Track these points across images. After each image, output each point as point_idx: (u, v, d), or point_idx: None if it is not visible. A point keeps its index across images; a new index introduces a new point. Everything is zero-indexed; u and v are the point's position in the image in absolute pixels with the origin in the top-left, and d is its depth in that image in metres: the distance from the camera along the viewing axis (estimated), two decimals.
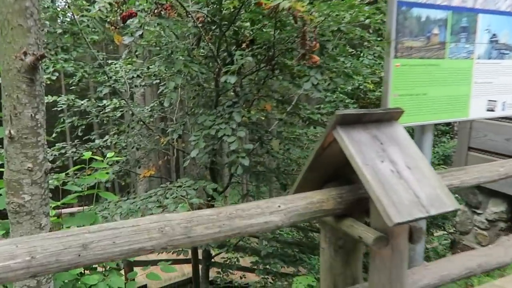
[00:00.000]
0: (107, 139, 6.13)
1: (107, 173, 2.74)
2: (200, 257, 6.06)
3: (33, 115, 1.72)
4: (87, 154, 2.63)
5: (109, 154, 2.70)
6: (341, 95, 7.03)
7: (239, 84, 4.16)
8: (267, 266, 4.73)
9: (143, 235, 1.38)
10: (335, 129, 1.71)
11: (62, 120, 5.85)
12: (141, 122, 5.77)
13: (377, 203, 1.51)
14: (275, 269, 4.58)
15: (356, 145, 1.67)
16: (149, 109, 6.43)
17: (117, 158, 2.72)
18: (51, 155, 5.12)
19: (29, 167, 1.75)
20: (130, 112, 6.51)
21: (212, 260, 6.03)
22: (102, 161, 2.68)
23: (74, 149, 5.40)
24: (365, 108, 7.59)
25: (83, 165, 2.64)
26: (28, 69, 1.65)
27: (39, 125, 1.76)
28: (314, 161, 2.05)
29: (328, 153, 1.93)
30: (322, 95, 4.97)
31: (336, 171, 2.08)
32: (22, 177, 1.76)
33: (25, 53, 1.62)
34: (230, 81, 3.44)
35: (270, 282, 4.94)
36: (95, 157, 2.69)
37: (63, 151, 5.24)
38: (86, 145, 5.64)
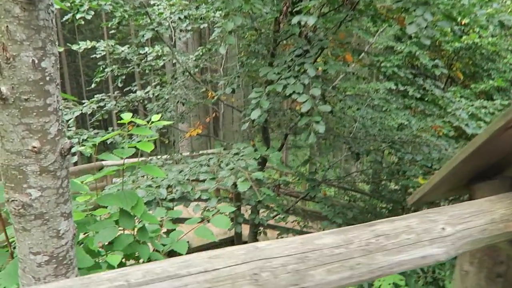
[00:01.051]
0: (149, 91, 5.50)
1: (150, 141, 2.08)
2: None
3: (36, 61, 1.03)
4: (126, 117, 1.96)
5: (154, 117, 2.02)
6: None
7: (312, 28, 3.30)
8: None
9: None
10: None
11: (101, 68, 5.25)
12: (187, 73, 5.07)
13: None
14: None
15: None
16: (194, 58, 5.69)
17: (165, 122, 2.03)
18: (90, 108, 4.56)
19: (34, 147, 1.09)
20: (173, 62, 5.82)
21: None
22: (145, 125, 2.02)
23: (114, 102, 4.82)
24: None
25: (121, 131, 1.99)
26: None
27: (47, 78, 1.07)
28: (485, 144, 1.29)
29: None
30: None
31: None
32: (25, 162, 1.10)
33: None
34: (308, 22, 2.61)
35: None
36: (136, 120, 2.02)
37: (102, 103, 4.66)
38: (126, 97, 5.04)
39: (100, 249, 2.10)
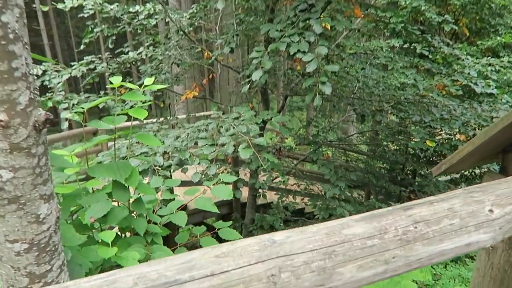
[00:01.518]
0: (142, 52, 5.21)
1: (144, 106, 1.89)
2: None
3: None
4: (116, 81, 1.75)
5: (147, 81, 1.82)
6: None
7: None
8: (330, 212, 3.94)
9: None
10: None
11: (90, 28, 4.92)
12: (181, 32, 4.77)
13: None
14: (342, 214, 3.79)
15: None
16: (189, 16, 5.34)
17: (159, 86, 1.83)
18: (79, 71, 4.30)
19: (0, 121, 0.90)
20: (166, 20, 5.48)
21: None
22: (138, 90, 1.82)
23: (105, 64, 4.55)
24: None
25: (111, 96, 1.79)
26: None
27: (11, 36, 0.87)
28: None
29: None
30: None
31: None
32: None
33: None
34: None
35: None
36: (128, 84, 1.81)
37: (92, 66, 4.39)
38: (118, 59, 4.76)
39: (94, 223, 1.96)
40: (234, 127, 2.70)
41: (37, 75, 4.03)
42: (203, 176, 5.03)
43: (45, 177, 1.06)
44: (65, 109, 3.63)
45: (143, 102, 1.94)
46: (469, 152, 1.27)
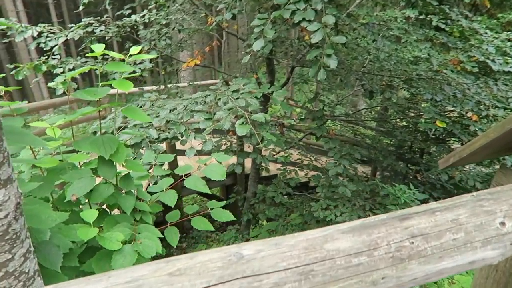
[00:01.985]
0: (144, 15, 4.98)
1: (132, 78, 1.75)
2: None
3: None
4: (98, 49, 1.60)
5: (133, 49, 1.66)
6: None
7: None
8: (333, 189, 3.83)
9: None
10: None
11: None
12: None
13: None
14: (344, 193, 3.66)
15: None
16: None
17: (145, 56, 1.68)
18: (76, 33, 4.12)
19: None
20: None
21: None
22: (123, 60, 1.67)
23: (103, 27, 4.35)
24: None
25: (93, 66, 1.65)
26: None
27: None
28: None
29: None
30: None
31: None
32: None
33: None
34: None
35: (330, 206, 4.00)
36: (110, 53, 1.66)
37: (89, 29, 4.20)
38: (117, 22, 4.56)
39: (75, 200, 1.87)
40: (232, 101, 2.55)
41: (32, 37, 3.86)
42: (214, 146, 4.96)
43: None
44: (60, 73, 3.49)
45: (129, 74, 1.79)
46: (482, 146, 1.12)
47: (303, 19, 2.48)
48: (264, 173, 5.86)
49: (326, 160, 5.60)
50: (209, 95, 2.74)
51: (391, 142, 6.37)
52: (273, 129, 4.45)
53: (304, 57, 4.45)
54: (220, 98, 2.69)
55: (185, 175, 2.03)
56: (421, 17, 4.23)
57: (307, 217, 5.11)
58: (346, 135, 7.18)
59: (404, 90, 5.07)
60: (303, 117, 4.31)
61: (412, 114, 5.29)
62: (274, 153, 4.53)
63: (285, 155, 4.67)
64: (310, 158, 5.74)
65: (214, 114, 2.57)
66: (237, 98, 2.58)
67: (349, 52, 4.64)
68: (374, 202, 3.96)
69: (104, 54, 1.62)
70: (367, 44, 4.60)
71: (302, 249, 0.66)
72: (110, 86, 1.66)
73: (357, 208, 3.81)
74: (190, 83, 5.65)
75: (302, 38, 4.62)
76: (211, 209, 2.10)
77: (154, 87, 4.64)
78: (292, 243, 0.68)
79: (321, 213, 3.89)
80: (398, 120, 5.76)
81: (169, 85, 4.56)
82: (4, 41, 4.65)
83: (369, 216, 3.40)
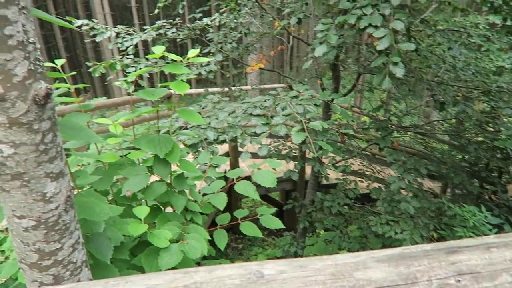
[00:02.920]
0: (215, 18, 5.11)
1: (188, 80, 1.79)
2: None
3: None
4: (158, 51, 1.65)
5: (191, 52, 1.69)
6: None
7: None
8: (394, 204, 3.60)
9: None
10: None
11: None
12: None
13: None
14: (406, 209, 3.41)
15: None
16: None
17: (203, 59, 1.70)
18: (150, 35, 4.34)
19: None
20: None
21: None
22: (181, 61, 1.70)
23: (174, 30, 4.54)
24: None
25: (152, 67, 1.70)
26: None
27: None
28: None
29: None
30: None
31: None
32: None
33: None
34: None
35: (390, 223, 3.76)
36: (169, 55, 1.70)
37: (162, 31, 4.40)
38: (188, 25, 4.73)
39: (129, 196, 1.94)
40: (291, 107, 2.51)
41: (110, 38, 4.14)
42: (273, 150, 4.95)
43: (52, 154, 0.99)
44: (130, 73, 3.68)
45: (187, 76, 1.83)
46: None
47: (369, 24, 2.37)
48: (324, 181, 5.73)
49: (389, 173, 5.33)
50: (268, 99, 2.73)
51: (465, 158, 5.90)
52: (334, 137, 4.32)
53: (371, 64, 4.28)
54: (278, 103, 2.65)
55: (236, 178, 2.02)
56: (508, 23, 3.86)
57: (366, 230, 4.89)
58: (416, 147, 6.78)
59: (483, 102, 4.66)
60: (365, 127, 4.13)
61: (491, 130, 4.84)
62: (335, 161, 4.39)
63: (346, 164, 4.51)
64: (373, 169, 5.50)
65: (271, 118, 2.55)
66: (298, 104, 2.53)
67: (422, 60, 4.37)
68: (440, 221, 3.68)
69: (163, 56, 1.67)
70: (442, 52, 4.30)
71: (329, 274, 0.61)
72: (167, 87, 1.71)
73: (420, 226, 3.56)
74: (254, 86, 5.70)
75: (371, 44, 4.45)
76: (261, 215, 2.07)
77: (219, 89, 4.73)
78: (318, 266, 0.62)
79: (379, 228, 3.70)
80: (473, 134, 5.31)
81: (233, 88, 4.62)
82: (88, 40, 5.01)
83: (433, 236, 3.15)
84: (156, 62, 4.16)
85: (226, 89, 4.68)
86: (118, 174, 1.97)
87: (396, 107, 5.44)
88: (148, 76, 3.61)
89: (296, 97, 2.67)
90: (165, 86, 1.70)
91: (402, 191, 3.79)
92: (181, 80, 1.68)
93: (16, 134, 0.90)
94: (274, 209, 2.13)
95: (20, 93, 0.86)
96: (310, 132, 2.34)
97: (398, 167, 3.51)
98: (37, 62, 0.89)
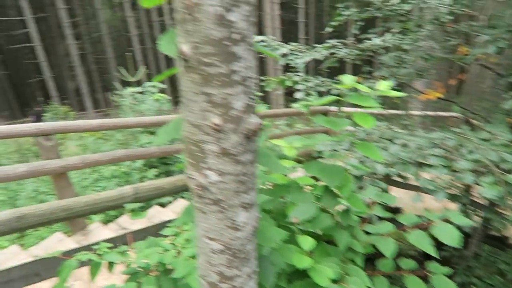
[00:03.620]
0: (388, 39, 4.86)
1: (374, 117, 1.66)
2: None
3: (223, 12, 0.74)
4: (347, 81, 1.57)
5: (381, 85, 1.56)
6: None
7: None
8: None
9: None
10: None
11: (338, 12, 4.90)
12: (436, 21, 4.19)
13: None
14: None
15: None
16: (450, 2, 4.63)
17: (394, 94, 1.56)
18: (322, 55, 4.36)
19: (215, 124, 0.85)
20: (421, 5, 4.92)
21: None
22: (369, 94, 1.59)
23: (346, 50, 4.46)
24: None
25: (335, 98, 1.63)
26: None
27: (235, 36, 0.78)
28: None
29: None
30: None
31: None
32: (205, 139, 0.88)
33: None
34: None
35: None
36: (359, 86, 1.60)
37: (333, 50, 4.37)
38: (360, 45, 4.59)
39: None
40: (480, 152, 2.15)
41: (282, 55, 4.29)
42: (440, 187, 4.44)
43: (249, 185, 0.99)
44: (298, 90, 3.75)
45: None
46: None
47: None
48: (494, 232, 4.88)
49: None
50: (451, 138, 2.40)
51: None
52: None
53: None
54: (463, 145, 2.31)
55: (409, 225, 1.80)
56: None
57: None
58: None
59: None
60: None
61: None
62: None
63: None
64: None
65: (452, 161, 2.23)
66: (487, 149, 2.16)
67: None
68: None
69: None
70: None
71: None
72: (349, 117, 1.61)
73: None
74: (422, 112, 5.22)
75: None
76: (431, 272, 1.80)
77: (386, 112, 4.47)
78: None
79: None
80: None
81: (398, 112, 4.30)
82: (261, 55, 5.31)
83: None
84: (323, 81, 4.14)
85: (395, 111, 4.39)
86: (282, 196, 1.96)
87: None
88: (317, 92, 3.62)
89: (487, 140, 2.28)
90: (349, 118, 1.61)
91: None
92: (366, 113, 1.56)
93: (224, 164, 0.91)
94: (447, 270, 1.83)
95: (235, 126, 0.87)
96: (505, 184, 1.96)
97: None
98: (252, 97, 0.89)
